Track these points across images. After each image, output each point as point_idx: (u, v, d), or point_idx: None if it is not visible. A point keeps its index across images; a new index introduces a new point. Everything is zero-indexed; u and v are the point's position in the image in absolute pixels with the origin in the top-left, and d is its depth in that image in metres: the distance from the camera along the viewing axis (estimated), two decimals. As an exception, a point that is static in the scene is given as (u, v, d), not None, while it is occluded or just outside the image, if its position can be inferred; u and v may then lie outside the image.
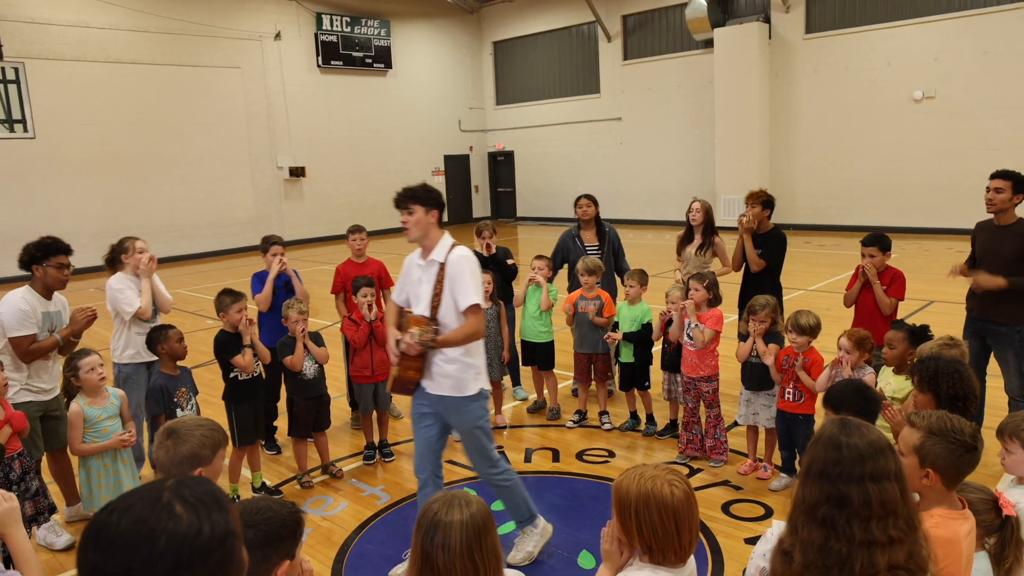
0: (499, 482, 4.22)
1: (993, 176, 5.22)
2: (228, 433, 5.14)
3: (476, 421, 4.11)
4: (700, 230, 6.71)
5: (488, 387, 4.23)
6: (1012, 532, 2.48)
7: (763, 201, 6.27)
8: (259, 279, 6.18)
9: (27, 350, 4.60)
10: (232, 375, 5.16)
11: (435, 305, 3.99)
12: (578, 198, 7.02)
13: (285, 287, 6.16)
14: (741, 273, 6.48)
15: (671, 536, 2.12)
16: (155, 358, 5.23)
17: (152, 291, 5.37)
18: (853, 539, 1.95)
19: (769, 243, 6.26)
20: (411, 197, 4.03)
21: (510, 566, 4.04)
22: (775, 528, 2.26)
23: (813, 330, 4.98)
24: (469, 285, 3.92)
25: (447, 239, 4.08)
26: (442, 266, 3.98)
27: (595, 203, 7.02)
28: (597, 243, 6.93)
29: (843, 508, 1.97)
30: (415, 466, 4.28)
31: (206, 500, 1.24)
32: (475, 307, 3.92)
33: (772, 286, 6.20)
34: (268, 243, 6.28)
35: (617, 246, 7.03)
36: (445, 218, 4.02)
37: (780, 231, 6.34)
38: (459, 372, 4.04)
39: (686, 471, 5.45)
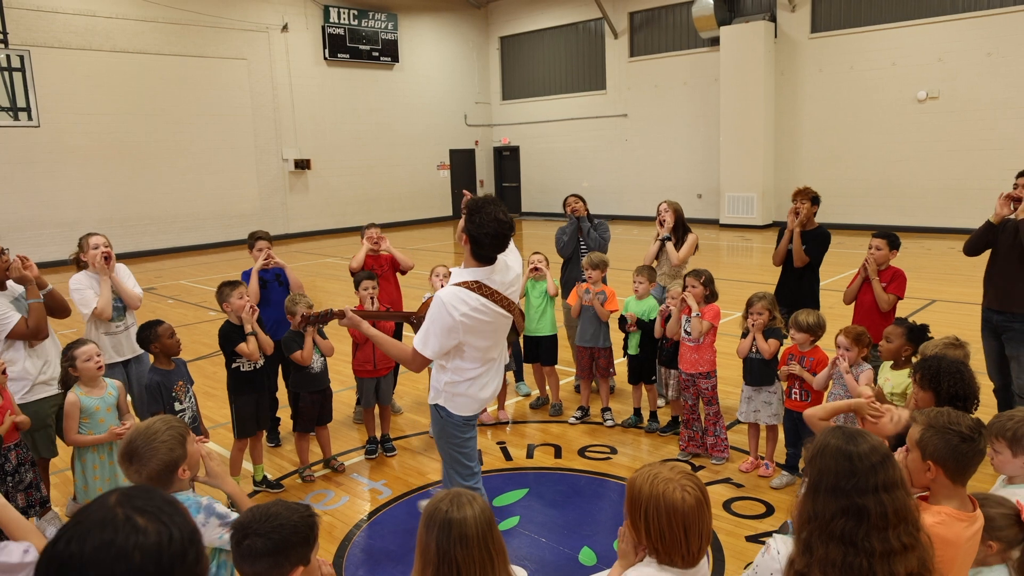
0: None
1: (1021, 175, 5.22)
2: (231, 425, 5.22)
3: (440, 436, 3.87)
4: (671, 230, 6.73)
5: (467, 413, 3.78)
6: None
7: (812, 198, 6.23)
8: (247, 278, 6.02)
9: (32, 330, 4.54)
10: (234, 365, 5.14)
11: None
12: (566, 198, 7.17)
13: (277, 280, 6.11)
14: (779, 269, 6.41)
15: (678, 541, 2.08)
16: (130, 356, 5.21)
17: (115, 288, 5.13)
18: (873, 552, 1.93)
19: (814, 240, 6.19)
20: (463, 207, 3.65)
21: None
22: (779, 544, 2.22)
23: (812, 328, 4.98)
24: (425, 326, 3.57)
25: (459, 276, 3.62)
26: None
27: (583, 200, 7.15)
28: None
29: (861, 521, 1.94)
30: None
31: (163, 506, 1.21)
32: (414, 351, 3.60)
33: (811, 282, 6.19)
34: (254, 239, 6.15)
35: (601, 231, 7.02)
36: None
37: (825, 229, 6.28)
38: (435, 382, 3.81)
39: (688, 468, 5.45)
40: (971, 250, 5.54)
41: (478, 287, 3.53)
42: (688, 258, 6.70)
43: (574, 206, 7.07)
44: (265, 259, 5.99)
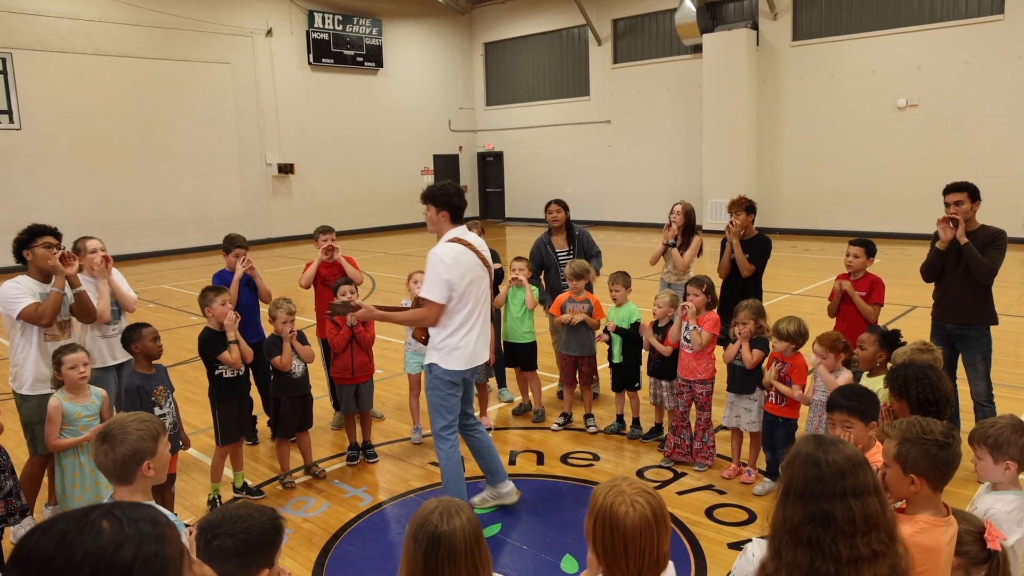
0: (436, 451, 4.75)
1: (948, 191, 5.40)
2: (214, 432, 5.18)
3: (435, 389, 4.63)
4: (680, 231, 6.84)
5: (456, 368, 4.55)
6: (998, 567, 2.46)
7: (746, 207, 6.33)
8: (221, 279, 6.04)
9: (36, 314, 4.64)
10: (217, 372, 5.10)
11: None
12: (548, 204, 7.05)
13: (247, 285, 6.10)
14: (723, 278, 6.50)
15: (619, 557, 2.06)
16: (123, 360, 5.16)
17: (113, 291, 5.16)
18: (840, 558, 1.94)
19: (756, 248, 6.33)
20: (425, 196, 4.59)
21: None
22: (755, 547, 2.24)
23: (792, 337, 4.99)
24: (426, 279, 4.45)
25: (449, 234, 4.54)
26: None
27: (565, 208, 7.02)
28: (567, 248, 6.96)
29: (828, 527, 1.95)
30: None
31: (138, 518, 1.19)
32: (424, 299, 4.45)
33: (753, 289, 6.29)
34: (232, 244, 6.14)
35: (588, 249, 6.99)
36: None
37: (765, 236, 6.42)
38: (433, 343, 4.61)
39: (670, 475, 5.48)
40: (928, 276, 5.76)
41: (457, 240, 4.51)
42: (692, 261, 6.78)
43: (555, 215, 6.90)
44: (248, 267, 5.99)
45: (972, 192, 5.34)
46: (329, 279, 6.31)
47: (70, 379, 4.32)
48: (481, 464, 5.00)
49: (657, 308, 5.85)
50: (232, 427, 5.17)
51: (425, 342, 4.78)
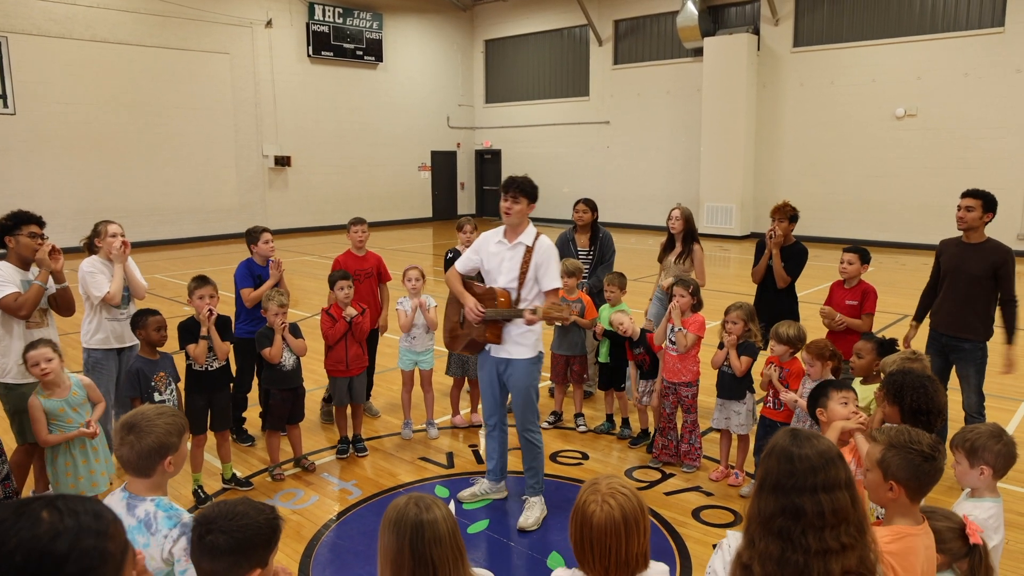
0: (532, 439, 4.86)
1: (964, 195, 5.33)
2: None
3: (532, 380, 4.80)
4: (680, 238, 6.71)
5: (543, 351, 4.87)
6: (980, 559, 2.53)
7: (790, 216, 6.19)
8: (247, 267, 6.02)
9: (15, 304, 4.59)
10: (188, 363, 5.13)
11: (521, 282, 4.65)
12: (576, 203, 6.99)
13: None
14: (756, 284, 6.41)
15: (586, 553, 2.11)
16: (130, 343, 5.20)
17: (127, 277, 5.25)
18: (809, 549, 1.99)
19: (793, 257, 6.19)
20: (521, 189, 4.69)
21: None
22: (731, 539, 2.29)
23: (792, 341, 4.99)
24: (553, 271, 4.68)
25: (532, 228, 4.78)
26: (528, 249, 4.66)
27: (592, 208, 6.96)
28: (589, 248, 6.93)
29: (798, 519, 2.01)
30: (486, 412, 5.03)
31: (80, 511, 1.19)
32: (556, 290, 4.69)
33: (789, 298, 6.21)
34: (257, 233, 6.09)
35: (605, 255, 6.95)
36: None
37: (802, 245, 6.28)
38: (528, 339, 4.71)
39: (658, 475, 5.49)
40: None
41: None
42: (704, 271, 6.66)
43: (580, 215, 6.85)
44: (278, 272, 5.97)
45: (987, 202, 5.25)
46: (359, 274, 6.27)
47: (34, 376, 4.29)
48: (501, 460, 5.16)
49: (620, 325, 5.86)
50: (197, 419, 5.10)
51: (478, 347, 4.82)
